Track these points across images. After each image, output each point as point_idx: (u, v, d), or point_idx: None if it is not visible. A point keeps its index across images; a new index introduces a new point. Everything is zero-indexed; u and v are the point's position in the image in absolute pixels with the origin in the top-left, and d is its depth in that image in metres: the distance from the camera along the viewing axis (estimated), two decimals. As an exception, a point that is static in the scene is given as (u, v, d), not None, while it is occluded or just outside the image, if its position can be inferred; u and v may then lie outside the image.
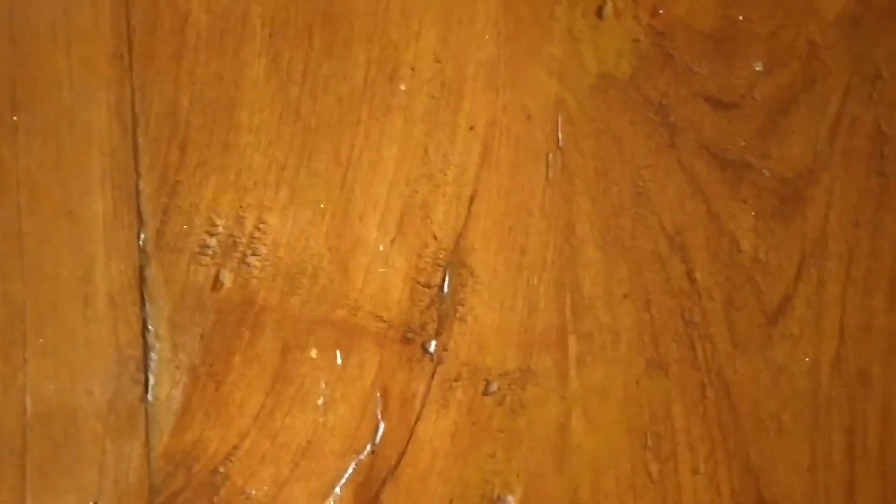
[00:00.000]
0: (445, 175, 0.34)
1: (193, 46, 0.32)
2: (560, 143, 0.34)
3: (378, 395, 0.33)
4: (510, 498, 0.34)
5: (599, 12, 0.34)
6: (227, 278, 0.32)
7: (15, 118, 0.32)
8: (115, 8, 0.32)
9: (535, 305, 0.34)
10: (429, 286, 0.34)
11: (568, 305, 0.34)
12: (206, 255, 0.32)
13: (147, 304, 0.32)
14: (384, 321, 0.33)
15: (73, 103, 0.32)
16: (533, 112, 0.34)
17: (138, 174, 0.32)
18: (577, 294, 0.34)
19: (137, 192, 0.32)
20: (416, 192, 0.34)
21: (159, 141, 0.32)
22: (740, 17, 0.35)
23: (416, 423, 0.33)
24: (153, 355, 0.32)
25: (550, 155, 0.34)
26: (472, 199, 0.34)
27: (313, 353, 0.33)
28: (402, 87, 0.33)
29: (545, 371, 0.34)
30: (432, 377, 0.33)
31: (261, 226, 0.33)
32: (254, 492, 0.32)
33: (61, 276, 0.31)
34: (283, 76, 0.33)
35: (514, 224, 0.34)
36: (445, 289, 0.33)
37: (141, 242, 0.32)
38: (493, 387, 0.34)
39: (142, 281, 0.32)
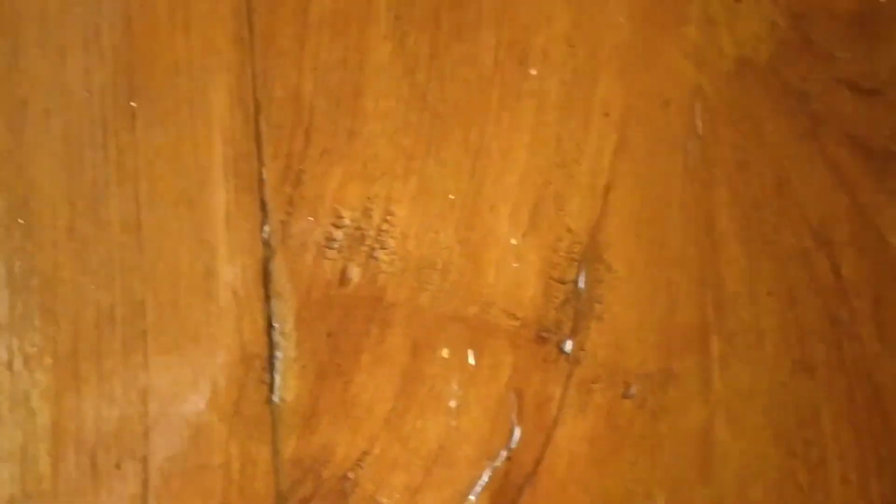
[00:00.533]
0: (579, 164, 0.32)
1: (317, 28, 0.31)
2: (699, 131, 0.32)
3: (513, 397, 0.31)
4: (651, 508, 0.31)
5: (735, -6, 0.32)
6: (354, 273, 0.30)
7: (133, 104, 0.30)
8: (238, -8, 0.30)
9: (675, 303, 0.32)
10: (563, 282, 0.32)
11: (710, 303, 0.32)
12: (333, 248, 0.30)
13: (272, 300, 0.30)
14: (517, 319, 0.31)
15: (193, 88, 0.31)
16: (669, 97, 0.32)
17: (261, 163, 0.30)
18: (718, 291, 0.32)
19: (260, 182, 0.30)
20: (548, 182, 0.32)
21: (282, 128, 0.31)
22: None
23: (553, 428, 0.31)
24: (279, 354, 0.30)
25: (689, 143, 0.32)
26: (607, 190, 0.32)
27: (445, 353, 0.31)
28: (533, 72, 0.32)
29: (687, 373, 0.32)
30: (569, 379, 0.31)
31: (389, 218, 0.31)
32: (385, 500, 0.30)
33: (182, 270, 0.30)
34: (410, 60, 0.31)
35: (651, 216, 0.32)
36: (581, 285, 0.31)
37: (265, 235, 0.30)
38: (633, 390, 0.31)
39: (266, 275, 0.30)
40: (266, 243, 0.31)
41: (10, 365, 0.29)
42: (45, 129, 0.31)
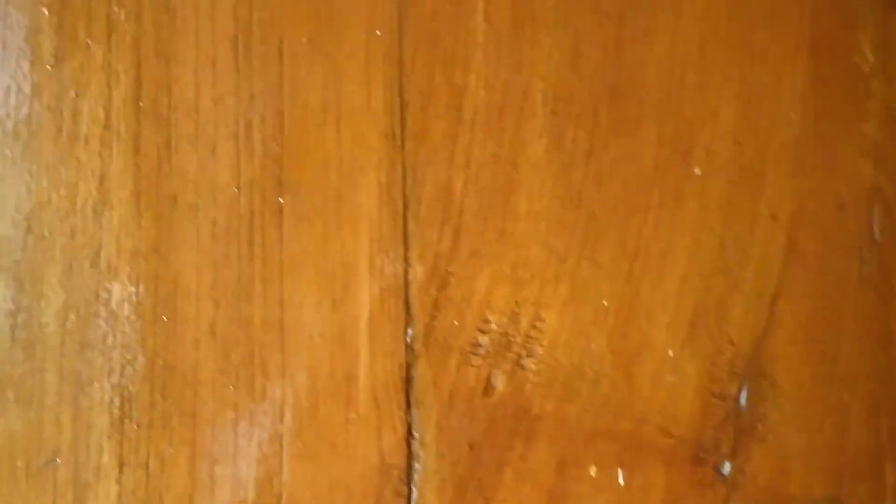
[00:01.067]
0: (744, 270, 0.30)
1: (470, 124, 0.30)
2: (876, 237, 0.30)
3: (666, 522, 0.28)
4: None
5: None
6: (499, 381, 0.29)
7: (281, 200, 0.30)
8: (389, 83, 0.29)
9: (846, 425, 0.29)
10: (723, 398, 0.29)
11: (885, 426, 0.29)
12: (478, 354, 0.29)
13: (413, 408, 0.29)
14: (672, 437, 0.29)
15: (342, 184, 0.30)
16: (845, 200, 0.30)
17: (407, 263, 0.29)
18: (895, 414, 0.29)
19: (406, 283, 0.29)
20: (710, 288, 0.30)
21: (431, 227, 0.29)
22: None
23: (710, 559, 0.28)
24: (417, 465, 0.28)
25: (865, 249, 0.30)
26: (774, 299, 0.29)
27: (592, 471, 0.29)
28: (697, 171, 0.30)
29: (858, 502, 0.29)
30: (727, 504, 0.29)
31: (537, 324, 0.29)
32: None
33: (322, 373, 0.29)
34: (566, 157, 0.30)
35: (822, 328, 0.29)
36: (743, 402, 0.29)
37: (408, 338, 0.29)
38: (799, 519, 0.29)
39: (408, 381, 0.29)
40: (409, 347, 0.29)
41: (146, 465, 0.28)
42: (193, 225, 0.30)
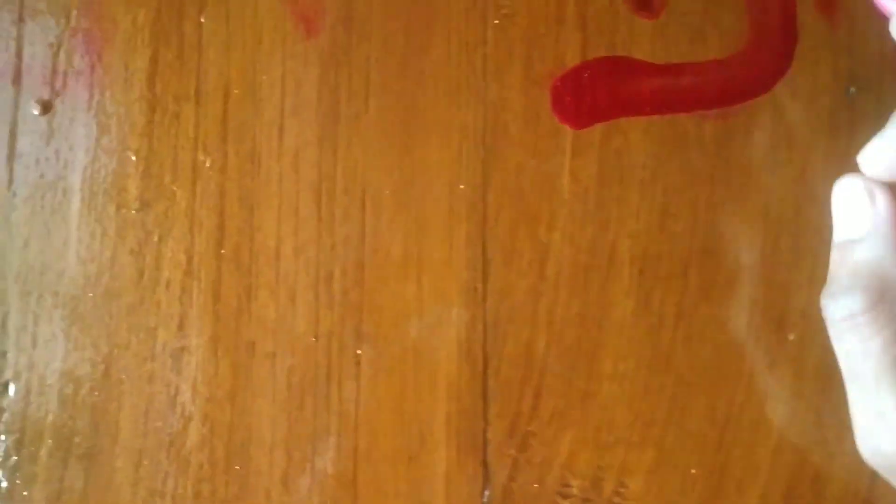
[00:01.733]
0: (843, 442, 0.28)
1: (554, 282, 0.29)
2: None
3: None
4: None
5: None
6: (581, 553, 0.27)
7: (359, 352, 0.29)
8: (472, 238, 0.29)
9: None
10: (821, 581, 0.27)
11: None
12: (559, 523, 0.28)
13: (490, 579, 0.27)
14: None
15: (421, 339, 0.29)
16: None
17: (486, 421, 0.28)
18: None
19: (485, 442, 0.28)
20: (806, 460, 0.28)
21: (511, 385, 0.29)
22: None
23: None
24: None
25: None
26: (874, 474, 0.27)
27: None
28: (791, 337, 0.28)
29: None
30: None
31: (621, 490, 0.28)
32: None
33: (398, 538, 0.28)
34: (654, 319, 0.29)
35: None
36: (841, 586, 0.27)
37: (485, 499, 0.28)
38: None
39: (485, 549, 0.27)
40: (488, 512, 0.28)
41: None
42: (270, 373, 0.30)
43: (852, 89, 0.30)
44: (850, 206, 0.25)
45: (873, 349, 0.22)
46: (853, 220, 0.25)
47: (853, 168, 0.25)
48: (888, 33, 0.23)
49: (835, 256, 0.25)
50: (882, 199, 0.25)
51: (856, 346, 0.23)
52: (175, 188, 0.32)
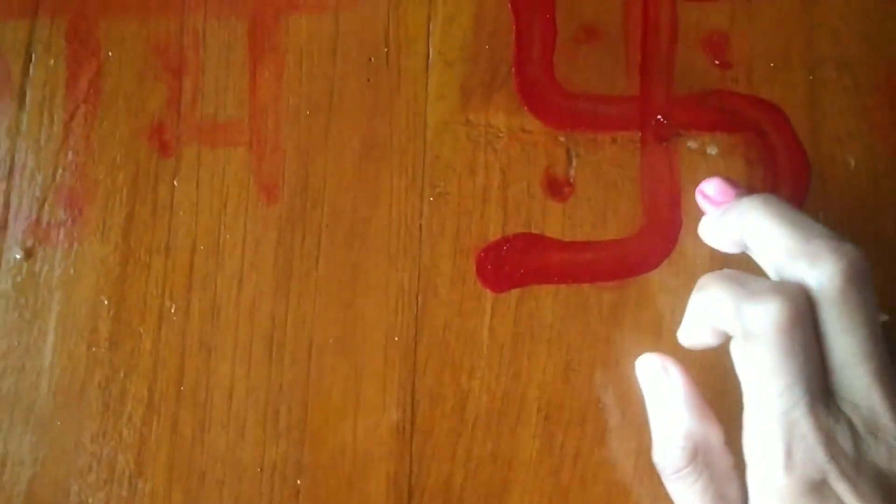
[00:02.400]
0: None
1: (471, 425, 0.34)
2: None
3: None
4: None
5: None
6: None
7: (298, 482, 0.33)
8: (403, 383, 0.34)
9: None
10: None
11: None
12: None
13: None
14: None
15: (354, 472, 0.33)
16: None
17: (409, 550, 0.32)
18: None
19: (407, 569, 0.32)
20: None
21: (432, 516, 0.33)
22: None
23: None
24: None
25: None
26: None
27: None
28: (671, 479, 0.33)
29: None
30: None
31: None
32: None
33: None
34: (556, 460, 0.34)
35: None
36: None
37: None
38: None
39: None
40: None
41: None
42: (218, 500, 0.34)
43: (725, 270, 0.36)
44: (652, 382, 0.32)
45: (697, 490, 0.29)
46: (656, 392, 0.32)
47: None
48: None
49: (652, 422, 0.31)
50: (675, 372, 0.32)
51: (684, 491, 0.30)
52: (142, 330, 0.36)
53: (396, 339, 0.36)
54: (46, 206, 0.37)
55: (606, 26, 0.38)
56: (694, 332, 0.30)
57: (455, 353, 0.36)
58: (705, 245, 0.35)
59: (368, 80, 0.38)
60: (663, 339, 0.36)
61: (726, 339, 0.29)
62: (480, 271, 0.36)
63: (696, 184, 0.36)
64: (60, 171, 0.37)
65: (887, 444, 0.26)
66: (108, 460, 0.35)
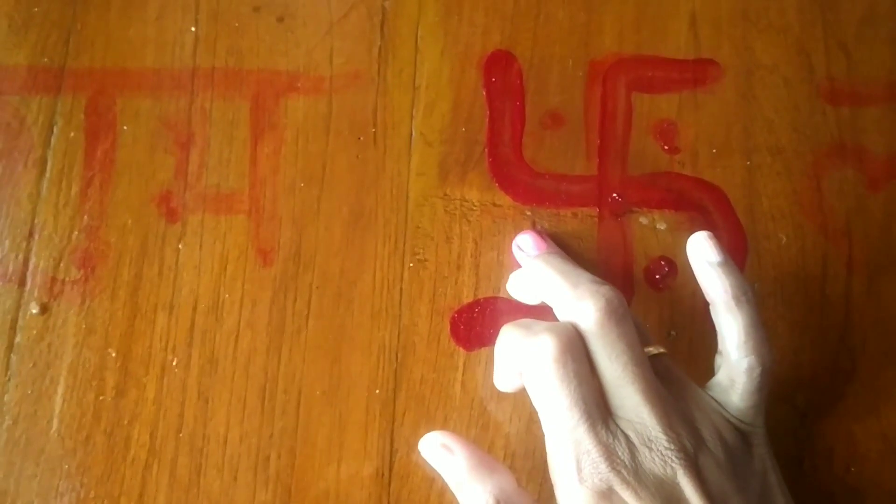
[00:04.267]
0: None
1: (445, 470, 0.36)
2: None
3: None
4: None
5: None
6: None
7: (286, 522, 0.36)
8: (383, 432, 0.37)
9: None
10: None
11: None
12: None
13: None
14: None
15: (337, 513, 0.36)
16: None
17: (386, 585, 0.35)
18: None
19: None
20: None
21: (407, 555, 0.36)
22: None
23: None
24: None
25: None
26: None
27: None
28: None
29: None
30: None
31: None
32: None
33: None
34: None
35: None
36: None
37: None
38: None
39: None
40: None
41: None
42: (212, 538, 0.36)
43: (672, 333, 0.40)
44: (441, 463, 0.35)
45: None
46: (449, 473, 0.35)
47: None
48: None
49: (454, 491, 0.33)
50: (458, 447, 0.34)
51: None
52: (146, 381, 0.39)
53: (377, 391, 0.39)
54: (62, 265, 0.40)
55: (569, 114, 0.42)
56: (503, 375, 0.34)
57: (430, 404, 0.39)
58: (654, 310, 0.39)
59: (357, 157, 0.42)
60: (617, 395, 0.39)
61: None
62: (454, 331, 0.40)
63: (647, 255, 0.40)
64: (76, 233, 0.40)
65: (660, 452, 0.29)
66: (111, 502, 0.37)
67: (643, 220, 0.40)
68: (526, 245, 0.36)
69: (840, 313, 0.39)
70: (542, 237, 0.37)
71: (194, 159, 0.41)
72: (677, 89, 0.42)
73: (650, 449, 0.29)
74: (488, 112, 0.42)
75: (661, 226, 0.40)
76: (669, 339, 0.39)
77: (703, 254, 0.33)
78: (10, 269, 0.39)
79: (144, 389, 0.38)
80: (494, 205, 0.40)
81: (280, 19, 0.43)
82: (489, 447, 0.38)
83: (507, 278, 0.39)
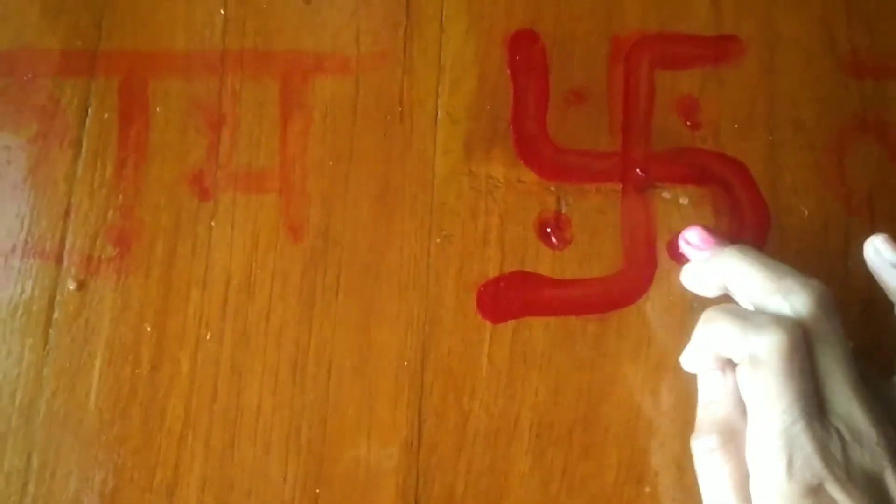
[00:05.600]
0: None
1: (472, 440, 0.37)
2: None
3: None
4: None
5: None
6: None
7: (317, 491, 0.37)
8: (411, 404, 0.37)
9: None
10: None
11: None
12: None
13: None
14: None
15: (367, 482, 0.37)
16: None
17: (415, 554, 0.36)
18: None
19: (413, 571, 0.35)
20: (656, 589, 0.36)
21: (436, 522, 0.36)
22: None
23: None
24: None
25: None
26: None
27: None
28: (647, 490, 0.37)
29: None
30: None
31: None
32: None
33: None
34: (546, 473, 0.37)
35: None
36: None
37: None
38: None
39: None
40: None
41: None
42: (246, 507, 0.37)
43: (695, 304, 0.40)
44: (708, 378, 0.35)
45: (724, 473, 0.33)
46: (710, 388, 0.36)
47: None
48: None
49: (699, 412, 0.35)
50: (730, 374, 0.35)
51: (712, 471, 0.33)
52: (180, 355, 0.39)
53: (406, 363, 0.39)
54: (98, 243, 0.40)
55: (593, 91, 0.42)
56: (698, 359, 0.34)
57: (458, 376, 0.39)
58: (677, 284, 0.39)
59: (384, 135, 0.42)
60: (641, 366, 0.39)
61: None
62: (480, 305, 0.40)
63: (671, 230, 0.40)
64: (111, 212, 0.41)
65: (870, 448, 0.29)
66: (147, 472, 0.38)
67: (666, 195, 0.40)
68: (695, 239, 0.36)
69: (863, 287, 0.39)
70: (710, 231, 0.36)
71: (225, 139, 0.41)
72: (700, 65, 0.42)
73: (860, 445, 0.29)
74: (513, 89, 0.42)
75: (684, 200, 0.40)
76: (692, 310, 0.39)
77: (884, 256, 0.33)
78: (48, 247, 0.40)
79: (179, 363, 0.38)
80: (519, 181, 0.40)
81: (307, 1, 0.43)
82: (515, 418, 0.38)
83: (532, 252, 0.39)
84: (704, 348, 0.33)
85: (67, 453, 0.38)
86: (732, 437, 0.33)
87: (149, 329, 0.39)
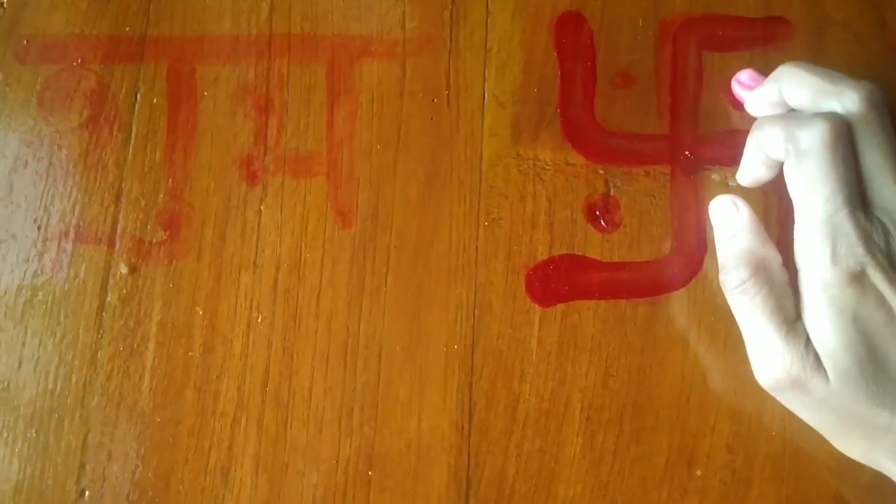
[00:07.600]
0: (736, 557, 0.36)
1: (522, 424, 0.37)
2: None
3: None
4: None
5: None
6: None
7: (370, 473, 0.36)
8: (461, 387, 0.37)
9: None
10: None
11: None
12: None
13: None
14: None
15: (419, 464, 0.36)
16: (814, 501, 0.36)
17: (468, 535, 0.35)
18: None
19: (466, 551, 0.35)
20: (708, 571, 0.35)
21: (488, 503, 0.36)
22: None
23: None
24: None
25: (831, 546, 0.36)
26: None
27: None
28: (698, 473, 0.36)
29: None
30: None
31: (570, 592, 0.35)
32: None
33: None
34: (596, 455, 0.37)
35: None
36: None
37: None
38: None
39: None
40: None
41: None
42: (299, 489, 0.37)
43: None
44: (723, 214, 0.36)
45: (758, 302, 0.33)
46: (727, 224, 0.36)
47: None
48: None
49: (720, 251, 0.36)
50: (743, 206, 0.36)
51: (747, 303, 0.34)
52: (232, 338, 0.39)
53: (456, 347, 0.39)
54: (149, 227, 0.40)
55: (640, 73, 0.42)
56: (751, 167, 0.35)
57: (507, 360, 0.39)
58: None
59: (431, 119, 0.41)
60: (691, 349, 0.39)
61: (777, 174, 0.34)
62: (529, 288, 0.39)
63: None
64: (161, 196, 0.40)
65: None
66: (202, 453, 0.38)
67: (715, 177, 0.40)
68: (746, 78, 0.38)
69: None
70: (761, 73, 0.37)
71: (273, 123, 0.41)
72: (748, 47, 0.41)
73: None
74: (559, 73, 0.41)
75: (733, 183, 0.40)
76: (743, 294, 0.38)
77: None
78: (99, 231, 0.40)
79: (231, 346, 0.38)
80: (567, 164, 0.40)
81: (353, -16, 0.42)
82: (565, 401, 0.38)
83: (580, 235, 0.39)
84: (756, 155, 0.34)
85: (122, 435, 0.38)
86: (760, 266, 0.34)
87: (200, 312, 0.39)
